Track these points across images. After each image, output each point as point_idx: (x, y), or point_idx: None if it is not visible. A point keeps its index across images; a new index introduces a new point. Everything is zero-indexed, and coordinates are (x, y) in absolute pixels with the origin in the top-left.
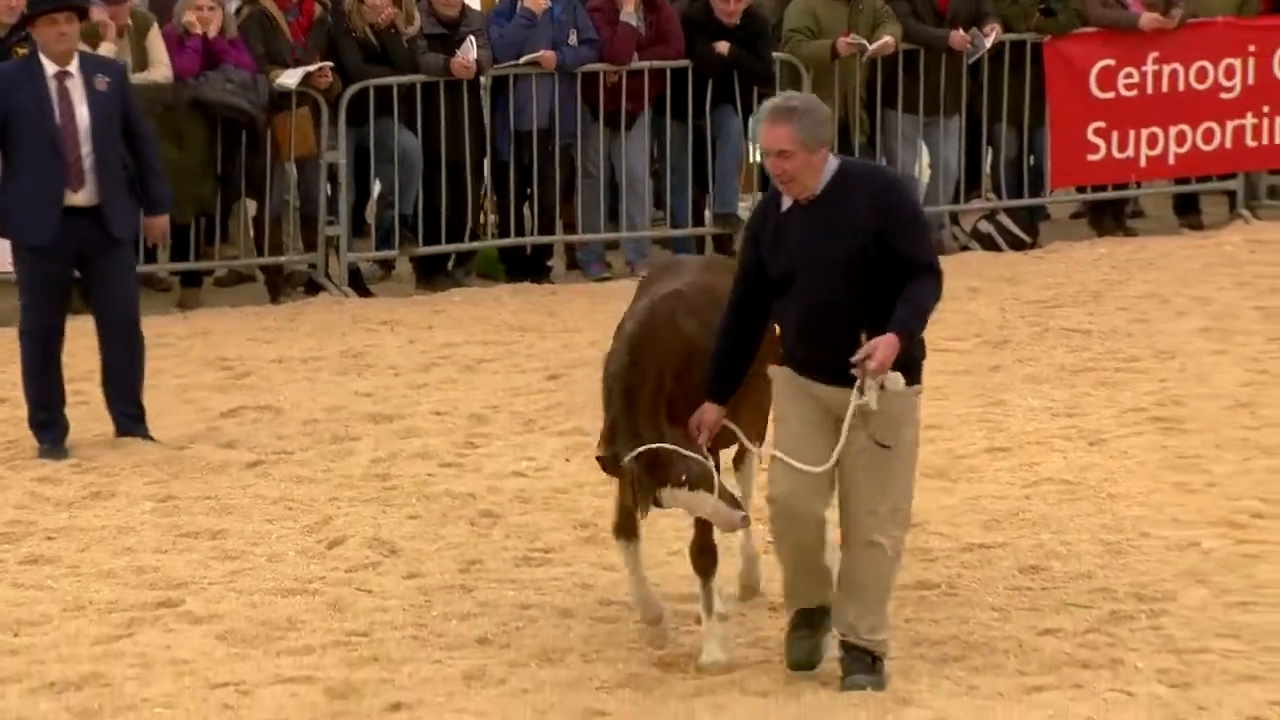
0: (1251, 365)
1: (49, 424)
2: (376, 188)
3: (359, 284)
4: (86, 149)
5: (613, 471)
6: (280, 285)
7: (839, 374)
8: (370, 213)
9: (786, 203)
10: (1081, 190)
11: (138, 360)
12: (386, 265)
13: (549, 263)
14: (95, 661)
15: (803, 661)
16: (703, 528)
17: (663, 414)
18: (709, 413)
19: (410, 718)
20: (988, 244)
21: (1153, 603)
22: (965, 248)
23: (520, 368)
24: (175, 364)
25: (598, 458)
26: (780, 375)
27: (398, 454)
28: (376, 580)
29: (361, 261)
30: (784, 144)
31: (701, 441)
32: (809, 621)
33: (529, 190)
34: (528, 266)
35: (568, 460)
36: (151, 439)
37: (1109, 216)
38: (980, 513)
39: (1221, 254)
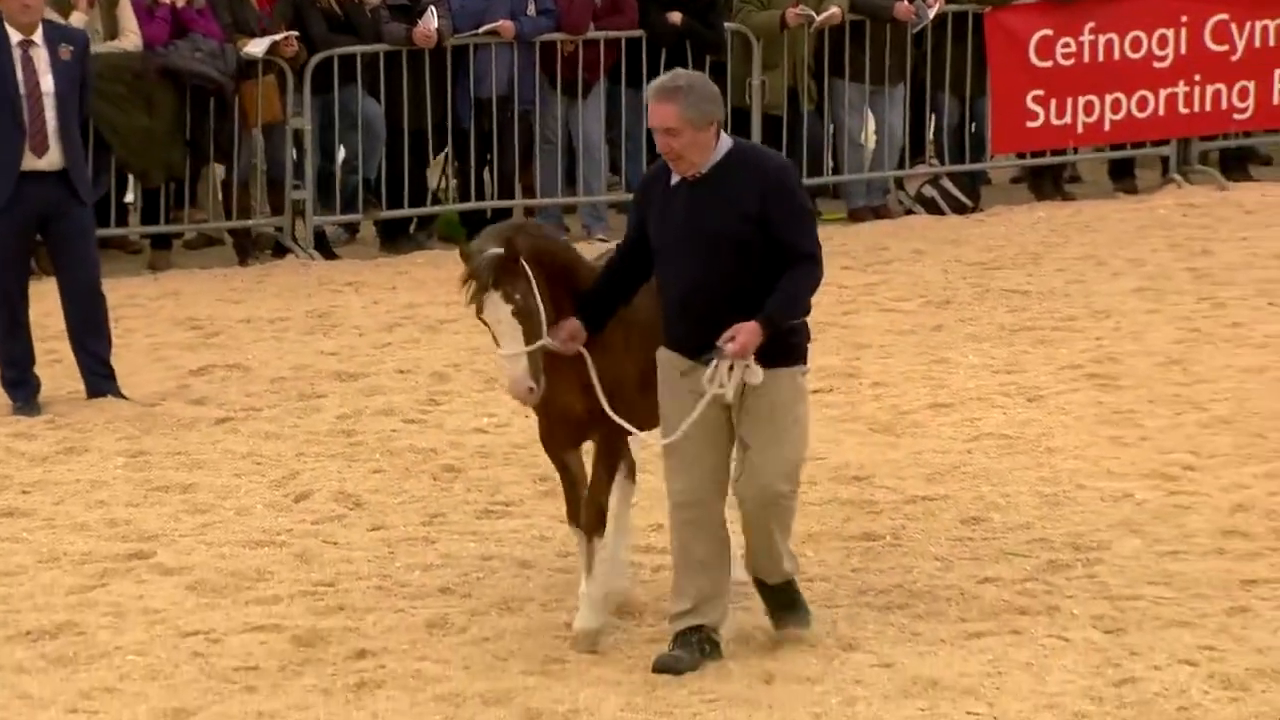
0: (1183, 324)
1: (20, 382)
2: (341, 153)
3: (324, 247)
4: (51, 114)
5: (464, 258)
6: (248, 248)
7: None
8: (336, 177)
9: (676, 177)
10: (1021, 156)
11: (103, 321)
12: (351, 229)
13: None
14: (70, 610)
15: (669, 667)
16: (598, 484)
17: (543, 281)
18: (572, 322)
19: (375, 665)
20: (931, 208)
21: (1088, 552)
22: (910, 211)
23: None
24: (146, 324)
25: (460, 251)
26: (663, 363)
27: (362, 411)
28: (342, 533)
29: (327, 225)
30: (670, 121)
31: (559, 340)
32: (686, 642)
33: (489, 156)
34: None
35: (527, 416)
36: (123, 397)
37: (1047, 181)
38: (923, 466)
39: (1155, 217)
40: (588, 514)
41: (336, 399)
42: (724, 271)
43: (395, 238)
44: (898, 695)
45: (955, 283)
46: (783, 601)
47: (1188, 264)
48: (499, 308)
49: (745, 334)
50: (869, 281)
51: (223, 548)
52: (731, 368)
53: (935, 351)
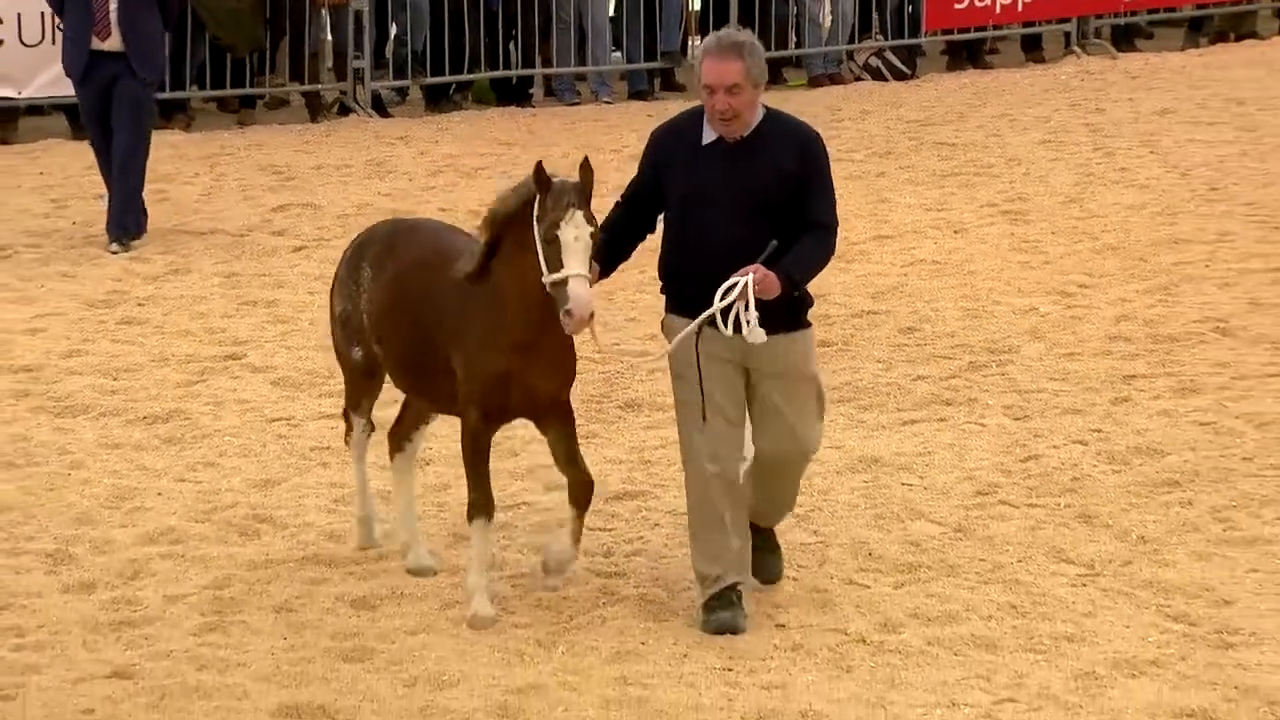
0: (1080, 170)
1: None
2: (393, 30)
3: (380, 107)
4: (114, 6)
5: (542, 183)
6: (318, 108)
7: (727, 314)
8: (389, 49)
9: (708, 137)
10: (949, 32)
11: (132, 175)
12: (402, 92)
13: (530, 91)
14: (178, 401)
15: (728, 627)
16: (581, 458)
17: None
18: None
19: (425, 446)
20: (876, 75)
21: (1001, 354)
22: (859, 79)
23: (508, 174)
24: (235, 169)
25: (536, 175)
26: (674, 329)
27: None
28: None
29: (382, 89)
30: (736, 78)
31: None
32: (727, 601)
33: (514, 32)
34: (513, 94)
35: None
36: (126, 246)
37: (971, 53)
38: (869, 286)
39: (1058, 82)
40: (587, 492)
41: None
42: (750, 233)
43: (438, 100)
44: (847, 471)
45: (896, 137)
46: (771, 545)
47: (1084, 120)
48: (582, 227)
49: (768, 277)
50: (825, 136)
51: (300, 351)
52: (737, 315)
53: (879, 193)
